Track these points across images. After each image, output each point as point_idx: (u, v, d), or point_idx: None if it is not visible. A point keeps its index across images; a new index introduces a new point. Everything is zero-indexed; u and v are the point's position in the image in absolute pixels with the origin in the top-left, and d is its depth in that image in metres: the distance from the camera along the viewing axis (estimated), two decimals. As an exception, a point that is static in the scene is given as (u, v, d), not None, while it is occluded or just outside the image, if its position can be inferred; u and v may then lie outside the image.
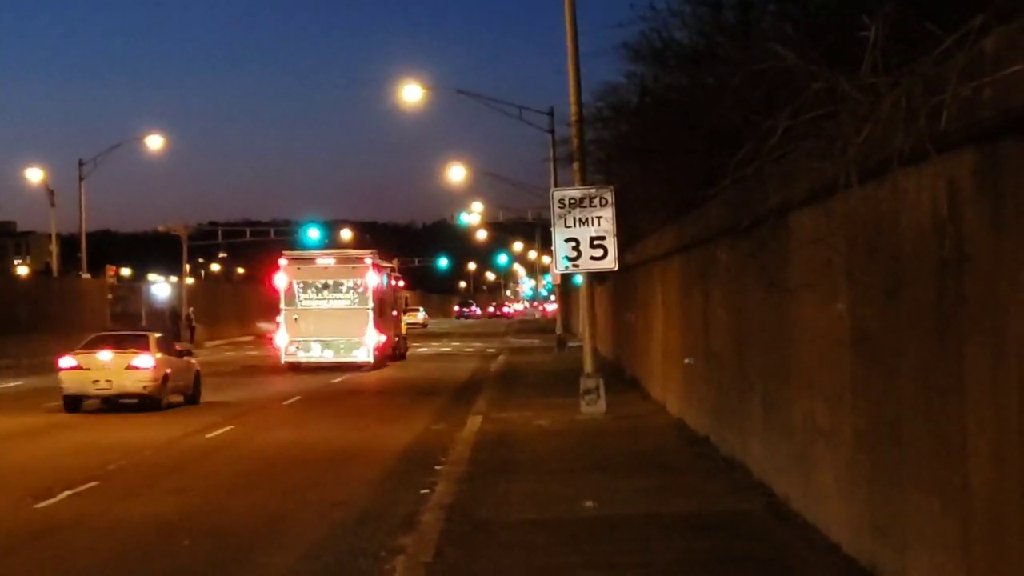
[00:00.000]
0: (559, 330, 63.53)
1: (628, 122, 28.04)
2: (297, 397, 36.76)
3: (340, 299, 50.79)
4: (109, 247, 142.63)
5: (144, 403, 32.55)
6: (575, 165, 27.90)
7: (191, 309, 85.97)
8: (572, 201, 25.73)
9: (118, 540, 15.14)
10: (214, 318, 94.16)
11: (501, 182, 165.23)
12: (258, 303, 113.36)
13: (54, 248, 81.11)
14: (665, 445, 21.22)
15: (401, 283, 67.03)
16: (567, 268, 26.36)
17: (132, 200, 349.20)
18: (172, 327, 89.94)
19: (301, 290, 50.76)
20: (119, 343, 33.90)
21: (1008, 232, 7.59)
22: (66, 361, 33.21)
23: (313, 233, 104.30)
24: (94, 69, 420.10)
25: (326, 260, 52.69)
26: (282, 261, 52.20)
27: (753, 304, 15.97)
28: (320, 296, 50.84)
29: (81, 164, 73.89)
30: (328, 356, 50.53)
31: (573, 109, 27.58)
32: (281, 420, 30.22)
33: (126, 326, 56.73)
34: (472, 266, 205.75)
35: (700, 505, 15.23)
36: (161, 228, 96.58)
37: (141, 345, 33.47)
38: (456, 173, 75.77)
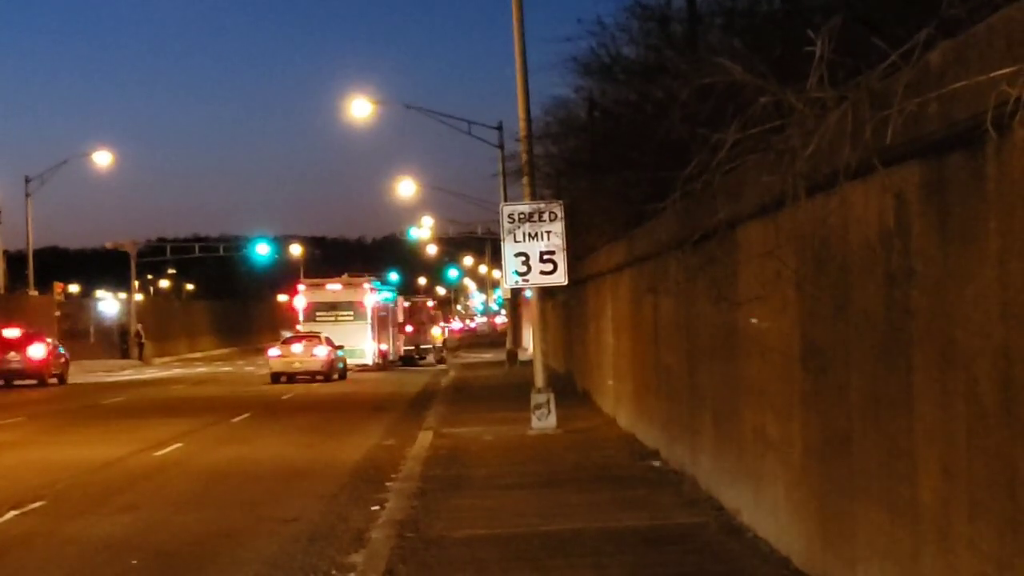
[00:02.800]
0: (509, 344, 63.57)
1: (577, 137, 28.15)
2: (247, 413, 36.58)
3: (345, 316, 62.95)
4: (57, 264, 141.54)
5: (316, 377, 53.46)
6: (524, 180, 27.92)
7: (140, 326, 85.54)
8: (522, 216, 25.75)
9: (66, 560, 15.00)
10: (163, 335, 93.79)
11: (451, 196, 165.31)
12: (207, 320, 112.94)
13: (0, 265, 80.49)
14: (616, 459, 21.23)
15: (431, 303, 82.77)
16: (517, 283, 26.35)
17: (80, 217, 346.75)
18: (120, 343, 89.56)
19: (316, 309, 63.55)
20: (304, 340, 55.25)
21: (954, 245, 7.63)
22: (273, 351, 55.76)
23: (262, 249, 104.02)
24: (40, 85, 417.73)
25: (334, 286, 65.39)
26: (300, 287, 66.22)
27: (703, 317, 16.01)
28: (329, 314, 63.12)
29: (27, 181, 73.51)
30: None
31: (522, 124, 27.59)
32: (231, 437, 30.06)
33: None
34: (423, 281, 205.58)
35: (651, 519, 15.22)
36: (109, 244, 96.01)
37: (318, 341, 54.89)
38: (406, 188, 75.87)
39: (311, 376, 53.35)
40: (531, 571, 12.62)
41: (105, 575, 14.24)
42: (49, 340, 58.86)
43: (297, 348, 54.49)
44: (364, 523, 16.54)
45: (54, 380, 56.93)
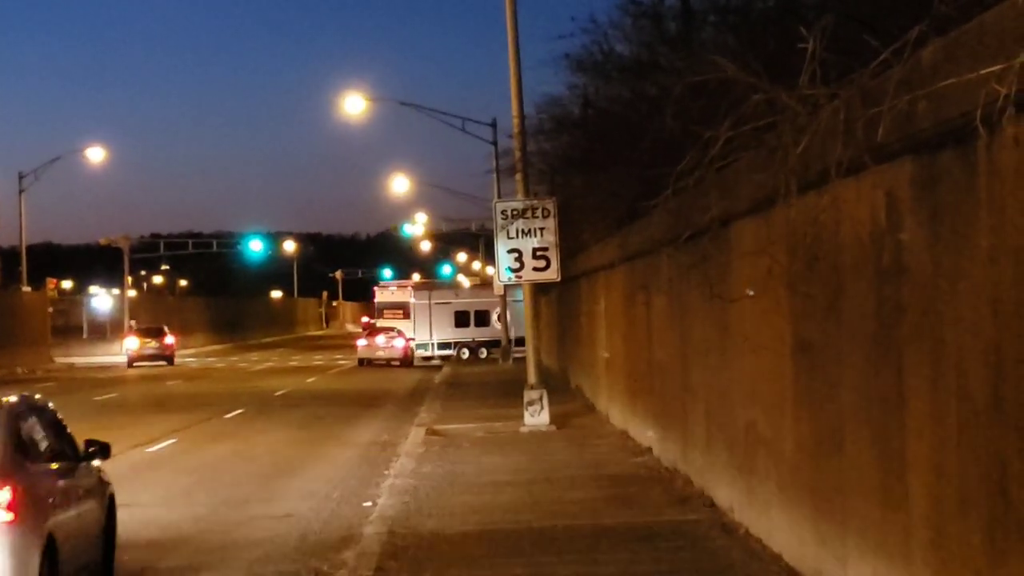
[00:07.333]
0: (503, 340, 63.53)
1: (570, 133, 28.14)
2: (241, 410, 36.52)
3: (397, 316, 72.88)
4: (51, 260, 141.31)
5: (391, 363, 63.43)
6: (518, 176, 27.90)
7: (133, 322, 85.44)
8: (515, 212, 25.76)
9: (58, 556, 14.95)
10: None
11: (445, 193, 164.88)
12: (201, 316, 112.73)
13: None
14: (609, 456, 21.23)
15: None
16: (510, 279, 26.37)
17: (74, 212, 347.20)
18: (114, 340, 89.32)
19: (383, 308, 74.45)
20: (386, 332, 66.99)
21: (946, 242, 7.63)
22: (361, 341, 68.26)
23: (255, 245, 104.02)
24: (33, 81, 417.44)
25: (392, 288, 77.77)
26: (376, 289, 78.44)
27: (696, 315, 16.00)
28: (389, 312, 73.49)
29: (21, 177, 73.32)
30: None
31: (515, 121, 27.58)
32: (224, 433, 30.02)
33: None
34: (416, 277, 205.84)
35: (644, 516, 15.23)
36: (103, 240, 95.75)
37: (396, 334, 66.49)
38: (400, 184, 75.91)
39: (387, 362, 64.41)
40: (523, 567, 12.62)
41: (97, 571, 14.21)
42: (170, 332, 74.30)
43: (380, 340, 66.58)
44: (356, 520, 16.54)
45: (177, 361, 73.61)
